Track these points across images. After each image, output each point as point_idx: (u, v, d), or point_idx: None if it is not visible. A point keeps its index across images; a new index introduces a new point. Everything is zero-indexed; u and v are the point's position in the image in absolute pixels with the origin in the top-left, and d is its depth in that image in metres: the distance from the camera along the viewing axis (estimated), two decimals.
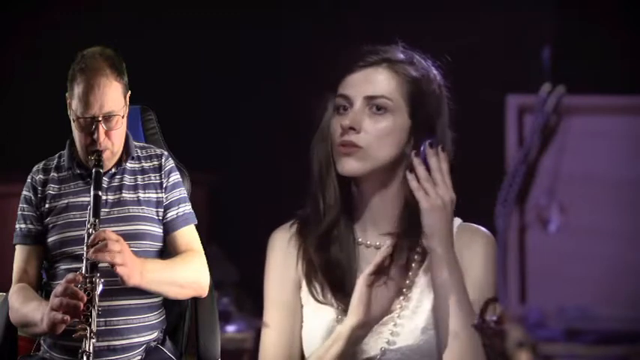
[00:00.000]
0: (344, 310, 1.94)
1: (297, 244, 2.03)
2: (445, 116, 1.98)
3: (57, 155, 2.72)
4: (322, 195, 1.97)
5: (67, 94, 2.58)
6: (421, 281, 1.96)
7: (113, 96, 2.54)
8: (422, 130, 1.93)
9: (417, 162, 1.88)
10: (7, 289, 2.64)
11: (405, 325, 1.94)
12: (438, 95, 1.97)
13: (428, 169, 1.88)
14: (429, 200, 1.86)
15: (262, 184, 4.38)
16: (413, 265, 1.96)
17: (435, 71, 1.99)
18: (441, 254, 1.87)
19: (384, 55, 1.95)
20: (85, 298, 2.33)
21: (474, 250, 1.96)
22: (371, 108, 1.92)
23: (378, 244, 1.98)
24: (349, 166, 1.93)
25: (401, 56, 1.96)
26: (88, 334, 2.32)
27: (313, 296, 1.99)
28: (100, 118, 2.52)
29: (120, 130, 2.57)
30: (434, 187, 1.86)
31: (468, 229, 2.00)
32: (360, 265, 1.98)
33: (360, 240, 2.00)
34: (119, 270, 2.38)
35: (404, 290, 1.95)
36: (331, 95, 1.98)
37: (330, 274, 1.96)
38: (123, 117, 2.58)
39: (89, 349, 2.32)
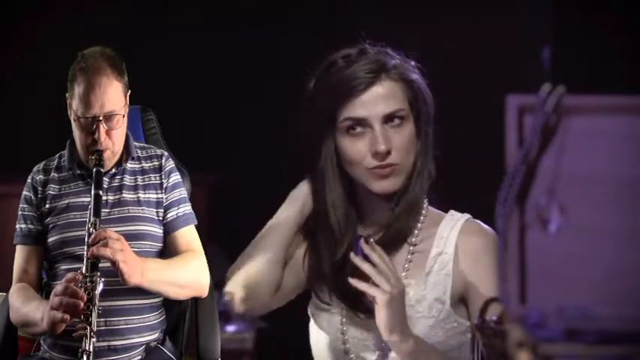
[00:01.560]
0: (348, 311, 1.96)
1: (303, 246, 2.05)
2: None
3: (57, 155, 2.72)
4: (336, 217, 1.97)
5: (67, 94, 2.58)
6: (415, 273, 1.96)
7: (114, 95, 2.54)
8: (422, 121, 1.95)
9: (358, 260, 1.84)
10: (7, 289, 2.64)
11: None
12: (423, 82, 1.98)
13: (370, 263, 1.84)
14: (385, 293, 1.81)
15: (262, 184, 4.37)
16: (408, 256, 1.97)
17: (412, 62, 1.99)
18: (406, 351, 1.84)
19: (375, 66, 1.93)
20: (85, 297, 2.33)
21: (479, 249, 1.96)
22: (388, 122, 1.93)
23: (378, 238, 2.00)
24: (388, 184, 1.93)
25: (391, 61, 1.95)
26: (88, 333, 2.32)
27: (318, 298, 2.01)
28: (101, 118, 2.52)
29: (121, 129, 2.57)
30: (386, 280, 1.82)
31: (475, 227, 1.99)
32: None
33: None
34: (121, 266, 2.38)
35: None
36: (329, 123, 1.95)
37: (337, 277, 1.97)
38: (124, 116, 2.58)
39: (89, 349, 2.32)
